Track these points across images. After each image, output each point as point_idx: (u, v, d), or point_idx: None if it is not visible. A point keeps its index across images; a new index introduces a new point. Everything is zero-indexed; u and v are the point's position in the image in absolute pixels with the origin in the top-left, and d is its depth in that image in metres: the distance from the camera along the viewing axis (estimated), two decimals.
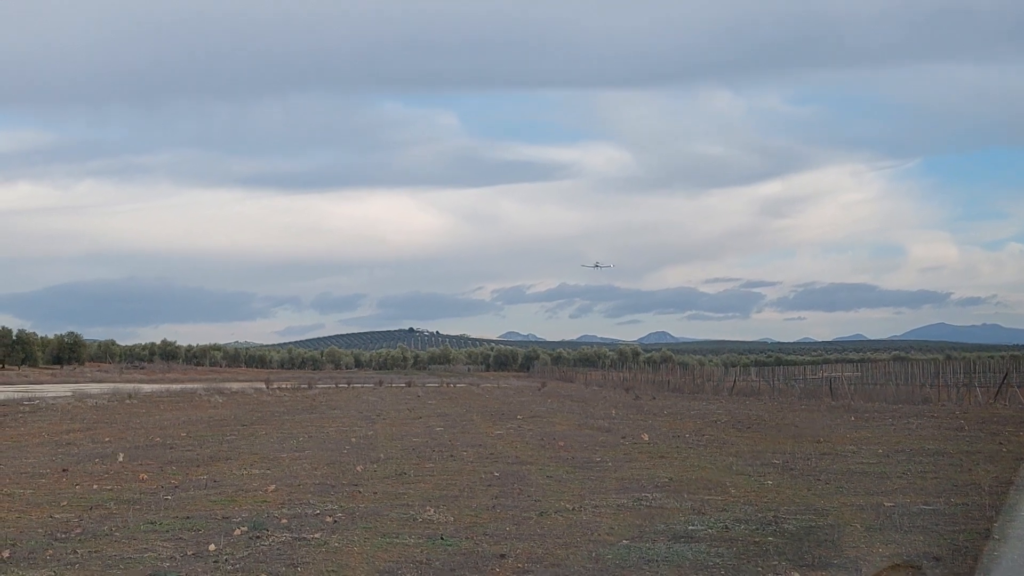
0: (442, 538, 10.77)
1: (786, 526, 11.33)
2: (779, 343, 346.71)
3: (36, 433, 27.04)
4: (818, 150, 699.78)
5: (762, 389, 54.41)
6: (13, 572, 9.19)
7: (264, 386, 69.80)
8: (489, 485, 15.32)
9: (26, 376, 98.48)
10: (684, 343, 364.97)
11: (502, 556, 9.78)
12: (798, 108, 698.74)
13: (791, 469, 17.16)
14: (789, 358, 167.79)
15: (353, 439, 24.27)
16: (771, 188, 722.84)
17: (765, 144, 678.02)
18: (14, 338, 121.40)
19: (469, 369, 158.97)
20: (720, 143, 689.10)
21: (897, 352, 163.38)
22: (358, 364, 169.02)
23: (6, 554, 9.94)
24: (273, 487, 15.08)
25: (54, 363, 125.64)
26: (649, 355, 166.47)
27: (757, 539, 10.60)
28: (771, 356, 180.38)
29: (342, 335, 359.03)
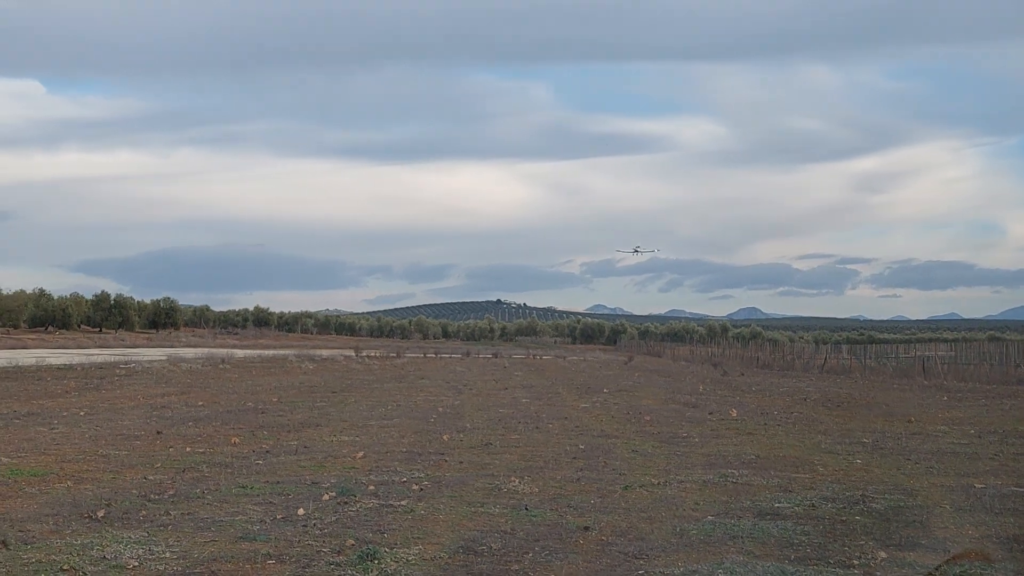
0: (526, 508, 10.84)
1: (874, 505, 11.21)
2: (871, 321, 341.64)
3: (131, 396, 27.65)
4: (916, 125, 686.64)
5: (853, 367, 53.64)
6: (107, 531, 9.43)
7: (353, 354, 70.51)
8: (574, 458, 15.36)
9: (123, 340, 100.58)
10: (774, 319, 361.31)
11: (586, 528, 9.82)
12: (897, 83, 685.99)
13: (880, 448, 16.96)
14: (882, 336, 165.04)
15: (440, 409, 24.45)
16: (868, 163, 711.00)
17: (862, 119, 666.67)
18: (112, 302, 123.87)
19: (556, 341, 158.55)
20: (816, 117, 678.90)
21: (992, 332, 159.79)
22: (445, 334, 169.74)
23: (101, 513, 10.21)
24: (361, 454, 15.27)
25: (150, 327, 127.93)
26: (738, 331, 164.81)
27: (844, 518, 10.51)
28: (863, 334, 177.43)
29: (430, 304, 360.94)
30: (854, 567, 8.43)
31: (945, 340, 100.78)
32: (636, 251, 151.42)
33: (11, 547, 8.67)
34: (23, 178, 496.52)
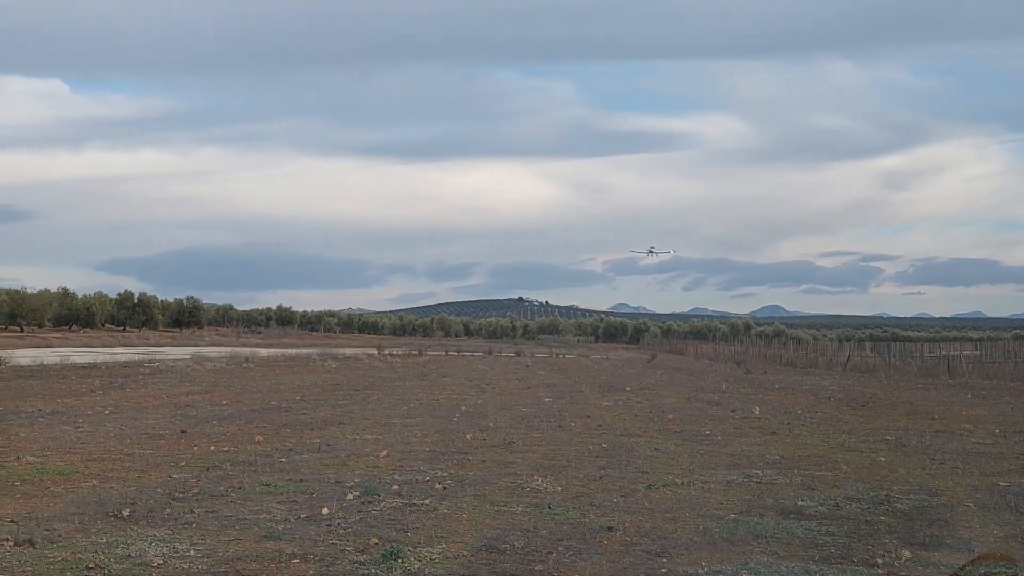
0: (549, 507, 10.84)
1: (898, 505, 11.18)
2: (895, 318, 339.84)
3: (156, 395, 27.77)
4: (941, 123, 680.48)
5: (877, 365, 53.41)
6: (133, 530, 9.48)
7: (376, 352, 70.59)
8: (597, 456, 15.35)
9: (147, 339, 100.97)
10: (798, 317, 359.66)
11: (609, 528, 9.82)
12: (922, 80, 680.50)
13: (904, 447, 16.89)
14: (905, 334, 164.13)
15: (463, 407, 24.47)
16: (892, 161, 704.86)
17: (886, 116, 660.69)
18: (136, 301, 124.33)
19: (578, 340, 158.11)
20: (840, 115, 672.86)
21: (1017, 331, 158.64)
22: (468, 332, 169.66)
23: (126, 512, 10.26)
24: (385, 453, 15.30)
25: (174, 326, 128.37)
26: (761, 329, 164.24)
27: (868, 517, 10.48)
28: (887, 331, 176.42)
29: (453, 303, 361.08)
30: (878, 566, 8.41)
31: (970, 339, 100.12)
32: (651, 252, 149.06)
33: (37, 546, 8.73)
34: (48, 178, 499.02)
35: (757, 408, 24.39)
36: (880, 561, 8.57)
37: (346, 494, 11.41)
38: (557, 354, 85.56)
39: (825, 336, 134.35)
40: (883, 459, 15.28)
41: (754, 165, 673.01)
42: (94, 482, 12.35)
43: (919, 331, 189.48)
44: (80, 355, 54.44)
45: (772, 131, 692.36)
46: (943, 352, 59.52)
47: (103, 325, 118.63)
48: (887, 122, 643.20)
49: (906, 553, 8.76)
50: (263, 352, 64.70)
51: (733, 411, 24.02)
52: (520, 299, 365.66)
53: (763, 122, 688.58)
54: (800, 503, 11.29)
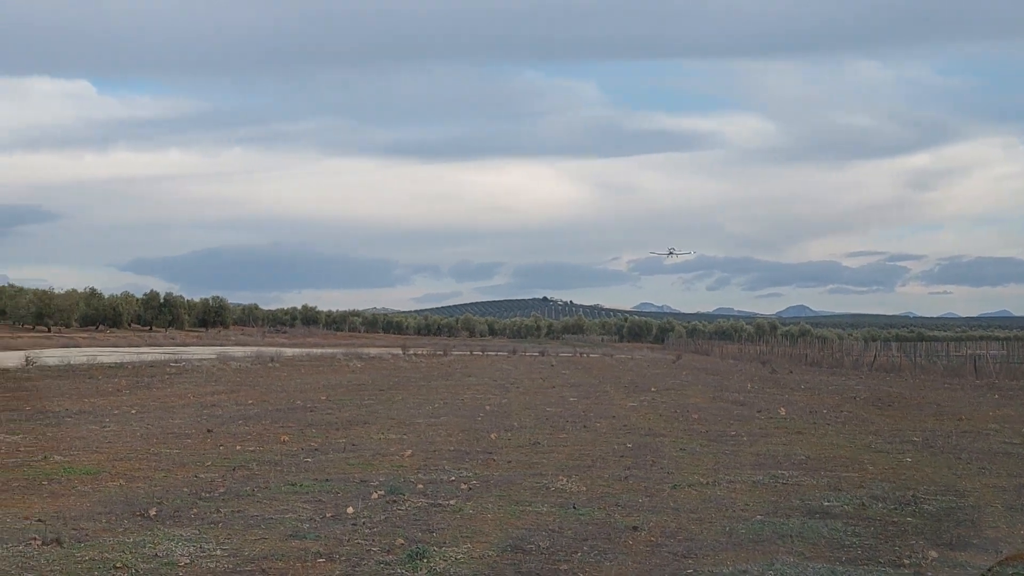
0: (574, 507, 10.84)
1: (925, 506, 11.12)
2: (921, 318, 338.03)
3: (182, 394, 27.89)
4: (968, 122, 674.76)
5: (903, 365, 53.16)
6: (159, 529, 9.53)
7: (401, 352, 70.66)
8: (622, 456, 15.34)
9: (173, 338, 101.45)
10: (823, 317, 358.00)
11: (635, 528, 9.81)
12: (948, 79, 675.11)
13: (931, 447, 16.81)
14: (932, 333, 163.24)
15: (487, 407, 24.48)
16: (918, 160, 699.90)
17: (913, 115, 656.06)
18: (162, 301, 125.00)
19: (603, 340, 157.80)
20: (865, 113, 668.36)
21: None
22: (492, 332, 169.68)
23: (153, 512, 10.32)
24: (410, 452, 15.33)
25: (199, 326, 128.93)
26: (787, 328, 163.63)
27: (895, 518, 10.44)
28: (913, 331, 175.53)
29: (477, 303, 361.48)
30: (905, 567, 8.38)
31: (997, 339, 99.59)
32: (671, 253, 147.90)
33: (65, 545, 8.79)
34: (74, 178, 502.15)
35: (783, 408, 24.31)
36: (907, 562, 8.53)
37: (371, 494, 11.44)
38: (581, 354, 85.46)
39: (851, 336, 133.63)
40: (909, 459, 15.21)
41: (780, 164, 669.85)
42: (121, 481, 12.42)
43: (945, 331, 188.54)
44: (107, 355, 54.72)
45: (798, 130, 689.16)
46: (969, 352, 59.23)
47: (129, 325, 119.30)
48: (913, 121, 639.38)
49: (933, 554, 8.72)
50: (288, 352, 64.85)
51: (759, 411, 23.95)
52: (544, 299, 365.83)
53: (789, 121, 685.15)
54: (826, 504, 11.26)
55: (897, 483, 12.81)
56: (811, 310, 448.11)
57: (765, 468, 14.07)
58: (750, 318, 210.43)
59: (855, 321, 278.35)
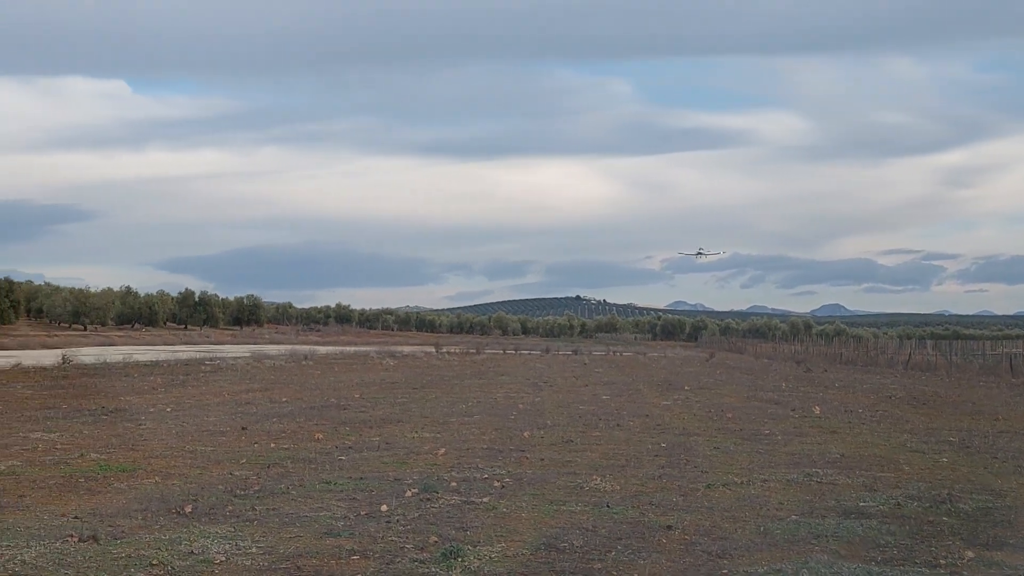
0: (608, 506, 10.82)
1: (961, 505, 11.03)
2: (957, 316, 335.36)
3: (217, 392, 28.06)
4: (1004, 119, 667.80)
5: (939, 364, 52.78)
6: (195, 526, 9.59)
7: (434, 350, 70.84)
8: (656, 455, 15.29)
9: (207, 337, 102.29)
10: (858, 315, 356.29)
11: (668, 527, 9.78)
12: (985, 75, 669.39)
13: (967, 447, 16.68)
14: (967, 332, 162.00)
15: (520, 405, 24.47)
16: (954, 157, 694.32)
17: (949, 112, 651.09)
18: (197, 299, 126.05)
19: (636, 338, 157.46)
20: (901, 111, 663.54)
21: None
22: (525, 331, 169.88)
23: (188, 509, 10.37)
24: (443, 450, 15.35)
25: (234, 324, 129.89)
26: (822, 327, 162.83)
27: (931, 518, 10.36)
28: (948, 330, 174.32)
29: (510, 301, 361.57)
30: (940, 567, 8.32)
31: None
32: (699, 253, 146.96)
33: (101, 542, 8.85)
34: (110, 178, 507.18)
35: (817, 407, 24.17)
36: (943, 562, 8.47)
37: (405, 491, 11.46)
38: (615, 352, 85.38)
39: (886, 334, 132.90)
40: (945, 459, 15.10)
41: (814, 162, 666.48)
42: (156, 479, 12.50)
43: (981, 329, 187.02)
44: (142, 353, 55.19)
45: (832, 128, 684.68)
46: (1006, 350, 58.70)
47: (165, 323, 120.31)
48: (949, 118, 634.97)
49: (969, 554, 8.65)
50: (322, 350, 65.18)
51: (793, 410, 23.84)
52: (577, 297, 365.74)
53: (823, 119, 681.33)
54: (861, 503, 11.19)
55: (933, 483, 12.71)
56: (846, 309, 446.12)
57: (800, 467, 14.00)
58: (784, 316, 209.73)
59: (890, 320, 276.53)
